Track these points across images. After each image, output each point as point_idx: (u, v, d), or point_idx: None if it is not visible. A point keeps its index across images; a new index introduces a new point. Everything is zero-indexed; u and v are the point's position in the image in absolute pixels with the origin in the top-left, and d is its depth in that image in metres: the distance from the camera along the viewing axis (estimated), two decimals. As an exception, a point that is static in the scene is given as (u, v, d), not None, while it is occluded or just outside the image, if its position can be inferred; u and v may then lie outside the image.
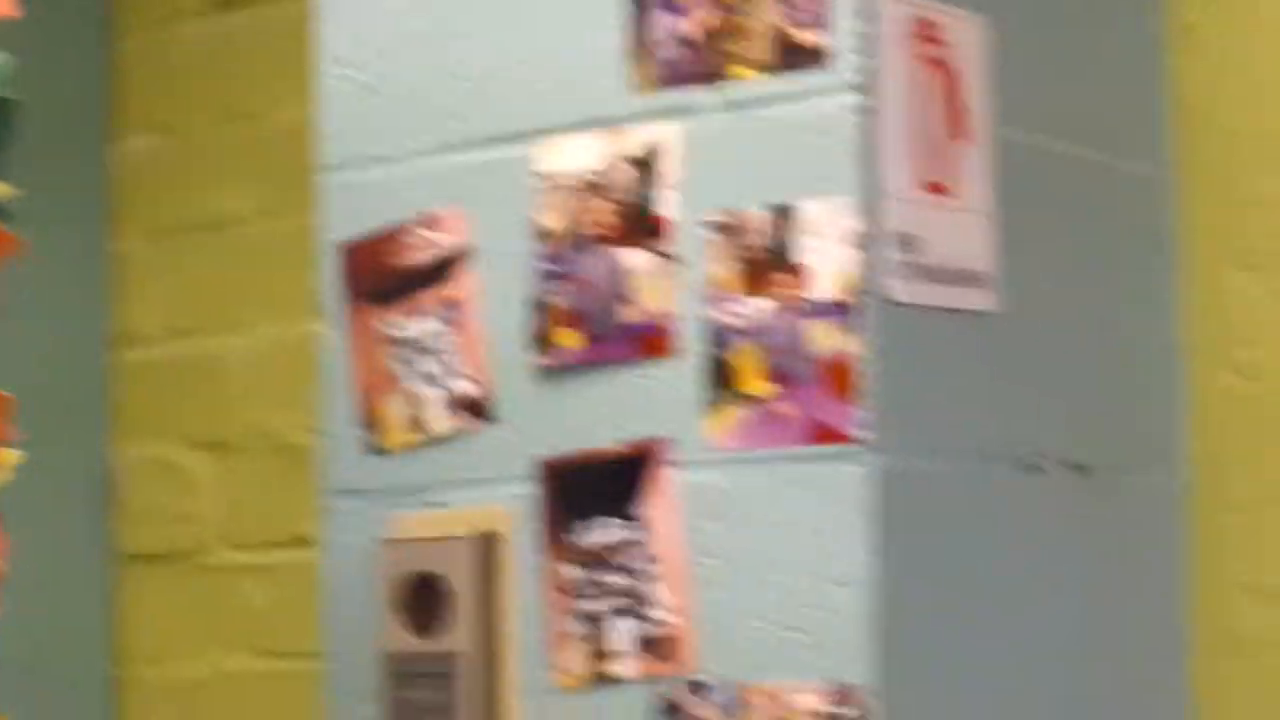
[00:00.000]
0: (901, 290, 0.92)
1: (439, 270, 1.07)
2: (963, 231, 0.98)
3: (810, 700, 0.94)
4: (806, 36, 0.95)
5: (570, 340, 1.01)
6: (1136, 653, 1.12)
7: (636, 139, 1.01)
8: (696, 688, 1.00)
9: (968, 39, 0.99)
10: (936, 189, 0.96)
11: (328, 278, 1.14)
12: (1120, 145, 1.14)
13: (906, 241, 0.94)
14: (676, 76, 1.00)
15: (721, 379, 0.98)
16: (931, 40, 0.96)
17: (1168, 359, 1.16)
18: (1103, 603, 1.09)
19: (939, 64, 0.97)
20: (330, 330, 1.15)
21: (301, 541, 1.50)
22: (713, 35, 0.99)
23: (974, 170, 0.98)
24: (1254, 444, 1.16)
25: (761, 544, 0.98)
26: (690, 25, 0.99)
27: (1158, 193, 1.16)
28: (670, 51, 1.00)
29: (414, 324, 1.09)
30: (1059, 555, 1.05)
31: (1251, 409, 1.16)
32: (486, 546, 1.05)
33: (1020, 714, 1.02)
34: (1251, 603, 1.14)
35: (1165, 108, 1.17)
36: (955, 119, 0.97)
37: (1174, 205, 1.18)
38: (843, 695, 0.93)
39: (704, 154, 1.01)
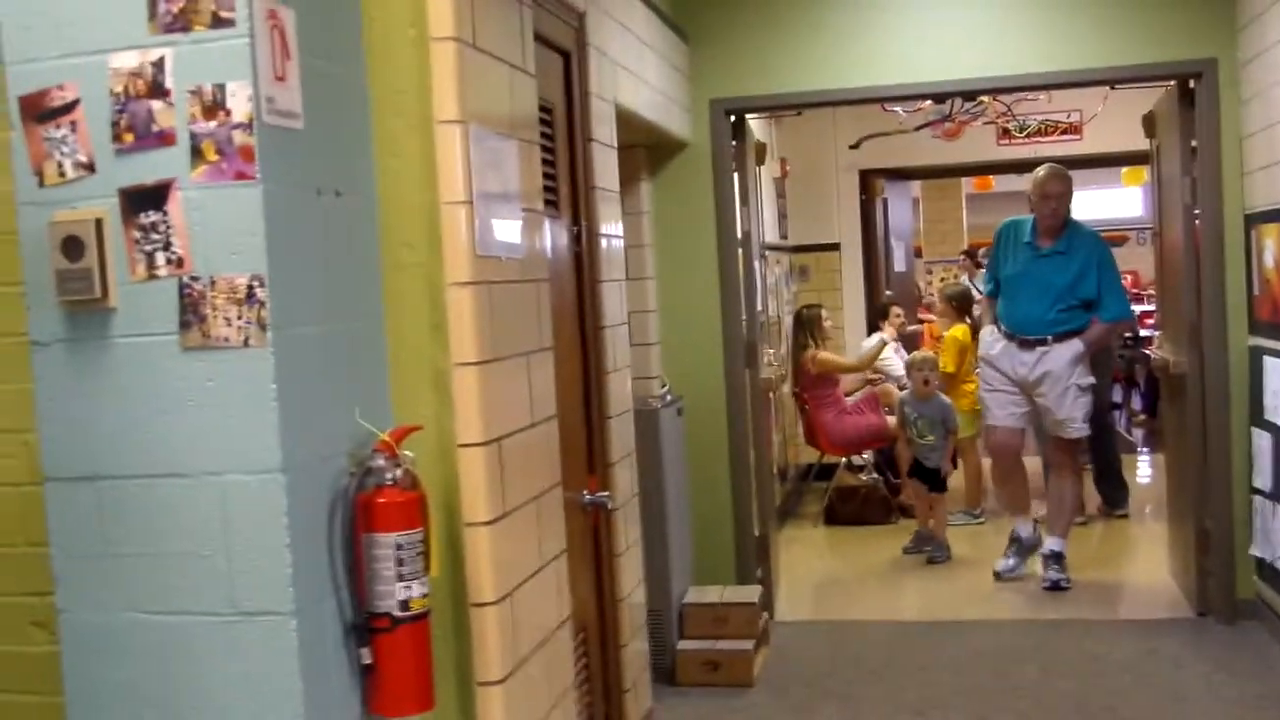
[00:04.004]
0: (268, 115, 2.33)
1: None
2: (288, 95, 2.38)
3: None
4: (226, 14, 2.30)
5: (128, 138, 2.35)
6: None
7: (158, 53, 2.32)
8: (194, 278, 2.34)
9: (291, 15, 2.39)
10: (281, 80, 2.36)
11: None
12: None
13: (270, 98, 2.34)
14: (170, 27, 2.33)
15: (196, 154, 2.34)
16: (273, 15, 2.35)
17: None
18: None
19: (280, 30, 2.36)
20: None
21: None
22: (182, 11, 2.31)
23: (292, 72, 2.40)
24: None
25: (211, 224, 2.36)
26: (176, 4, 2.32)
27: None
28: (167, 15, 2.32)
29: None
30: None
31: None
32: (97, 224, 2.36)
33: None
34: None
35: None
36: (283, 52, 2.37)
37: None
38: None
39: (187, 63, 2.27)
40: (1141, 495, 8.64)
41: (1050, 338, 6.25)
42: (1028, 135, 10.01)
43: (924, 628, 6.08)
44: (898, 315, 8.95)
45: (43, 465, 2.36)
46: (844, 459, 8.56)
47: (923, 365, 7.50)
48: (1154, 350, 6.71)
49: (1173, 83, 5.93)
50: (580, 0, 4.13)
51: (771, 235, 8.40)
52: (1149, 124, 6.56)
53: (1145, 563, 7.09)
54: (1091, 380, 6.35)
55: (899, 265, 11.22)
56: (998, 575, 6.68)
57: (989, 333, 6.54)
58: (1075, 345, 6.23)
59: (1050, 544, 6.57)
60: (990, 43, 5.93)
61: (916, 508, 7.62)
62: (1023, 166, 9.36)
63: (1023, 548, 6.72)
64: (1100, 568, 7.02)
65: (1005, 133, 10.14)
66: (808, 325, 8.20)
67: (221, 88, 2.25)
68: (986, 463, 7.68)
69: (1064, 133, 10.03)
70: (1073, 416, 6.31)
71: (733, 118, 6.16)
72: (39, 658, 2.87)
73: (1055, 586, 6.45)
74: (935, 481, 7.37)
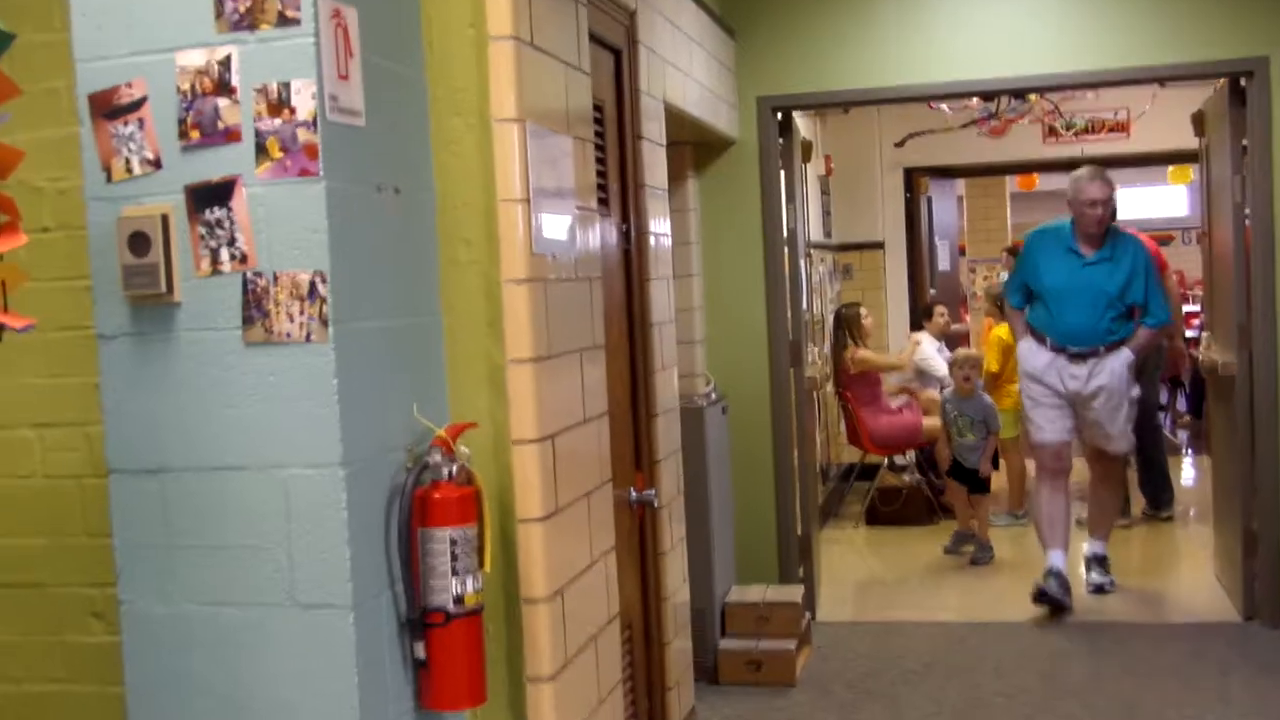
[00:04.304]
0: (331, 113, 2.35)
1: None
2: (351, 93, 2.41)
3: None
4: (291, 13, 2.33)
5: (195, 134, 2.38)
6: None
7: (225, 51, 2.35)
8: (257, 274, 2.37)
9: (354, 15, 2.42)
10: (344, 78, 2.38)
11: None
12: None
13: (333, 96, 2.37)
14: (237, 25, 2.36)
15: (260, 151, 2.37)
16: (337, 14, 2.38)
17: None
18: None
19: (343, 28, 2.39)
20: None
21: None
22: (249, 10, 2.34)
23: (354, 70, 2.42)
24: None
25: (274, 220, 2.39)
26: (241, 4, 2.35)
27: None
28: (234, 14, 2.35)
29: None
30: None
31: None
32: (163, 219, 2.39)
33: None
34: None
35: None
36: (346, 51, 2.40)
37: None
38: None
39: (253, 61, 2.31)
40: (1186, 497, 8.58)
41: (1102, 348, 5.98)
42: (1074, 133, 9.94)
43: (967, 629, 6.05)
44: (941, 314, 8.92)
45: (107, 458, 2.40)
46: (886, 459, 8.54)
47: (964, 364, 7.46)
48: (1202, 351, 6.64)
49: (1223, 81, 5.88)
50: (631, -2, 4.14)
51: (815, 233, 8.38)
52: (1199, 122, 6.50)
53: (1191, 566, 7.04)
54: (1138, 391, 6.20)
55: (943, 264, 11.17)
56: (1045, 597, 6.11)
57: (1029, 347, 6.17)
58: (1126, 355, 6.00)
59: (1093, 547, 6.46)
60: (1040, 40, 5.90)
61: (956, 508, 7.59)
62: (1069, 165, 9.29)
63: (1062, 581, 6.17)
64: (1145, 570, 6.97)
65: (1051, 131, 10.07)
66: (847, 324, 8.17)
67: (286, 85, 2.27)
68: (1030, 464, 7.64)
69: (1111, 130, 9.96)
70: (1125, 431, 6.14)
71: (779, 115, 6.15)
72: (97, 648, 2.92)
73: (1100, 590, 6.35)
74: (974, 482, 7.34)
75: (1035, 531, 6.55)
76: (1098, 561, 6.41)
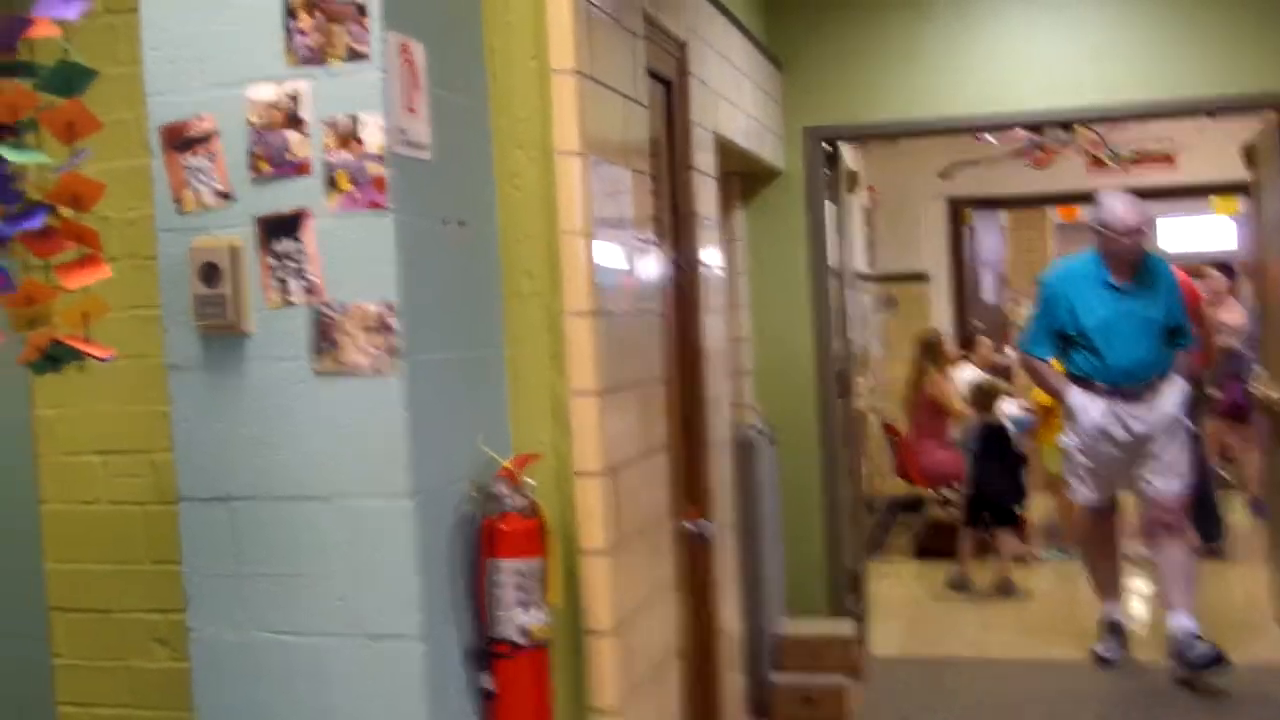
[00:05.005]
0: (399, 146, 2.38)
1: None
2: (419, 127, 2.43)
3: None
4: (360, 48, 2.36)
5: (265, 168, 2.41)
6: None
7: (294, 86, 2.38)
8: (327, 305, 2.41)
9: (422, 49, 2.44)
10: (412, 112, 2.41)
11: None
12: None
13: (401, 129, 2.39)
14: (307, 60, 2.39)
15: (330, 184, 2.40)
16: (405, 49, 2.40)
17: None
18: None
19: (410, 63, 2.41)
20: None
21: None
22: (318, 45, 2.37)
23: (422, 104, 2.45)
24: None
25: (344, 252, 2.41)
26: (312, 39, 2.38)
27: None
28: (304, 49, 2.39)
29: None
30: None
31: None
32: (234, 251, 2.42)
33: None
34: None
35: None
36: (414, 85, 2.42)
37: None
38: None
39: (323, 95, 2.34)
40: (1237, 533, 8.47)
41: (1155, 379, 5.56)
42: (1120, 164, 9.89)
43: (1019, 667, 5.99)
44: (985, 345, 8.87)
45: (178, 486, 2.41)
46: (934, 492, 8.49)
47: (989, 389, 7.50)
48: (1255, 385, 6.56)
49: (1275, 113, 5.85)
50: (682, 30, 4.16)
51: (859, 264, 8.37)
52: (1249, 155, 6.46)
53: (1247, 605, 6.94)
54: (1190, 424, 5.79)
55: (987, 295, 11.13)
56: (1101, 658, 5.93)
57: (1082, 400, 5.64)
58: (1179, 383, 5.60)
59: (1182, 622, 5.59)
60: (1086, 71, 5.88)
61: (962, 546, 7.49)
62: (1115, 197, 9.25)
63: (1121, 632, 5.98)
64: (1202, 611, 6.89)
65: (1097, 161, 10.03)
66: (930, 350, 8.10)
67: (355, 119, 2.30)
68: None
69: (1157, 161, 9.91)
70: (1184, 468, 5.60)
71: (826, 146, 6.16)
72: (161, 674, 2.94)
73: (1216, 661, 5.44)
74: (1002, 514, 7.29)
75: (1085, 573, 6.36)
76: (1193, 636, 5.58)
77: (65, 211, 1.91)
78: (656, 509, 3.09)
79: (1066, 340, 5.69)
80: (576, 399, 2.69)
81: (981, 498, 7.34)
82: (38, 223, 1.81)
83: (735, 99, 5.01)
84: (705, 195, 4.38)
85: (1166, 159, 9.93)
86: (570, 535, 2.69)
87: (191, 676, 2.42)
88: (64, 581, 3.06)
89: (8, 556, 3.07)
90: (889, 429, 8.38)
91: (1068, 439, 5.80)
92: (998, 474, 7.35)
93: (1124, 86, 5.84)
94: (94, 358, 1.86)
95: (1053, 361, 5.83)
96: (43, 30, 1.86)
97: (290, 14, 2.33)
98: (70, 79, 1.89)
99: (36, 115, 1.85)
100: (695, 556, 4.02)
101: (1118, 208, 5.64)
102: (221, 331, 2.36)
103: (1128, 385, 5.56)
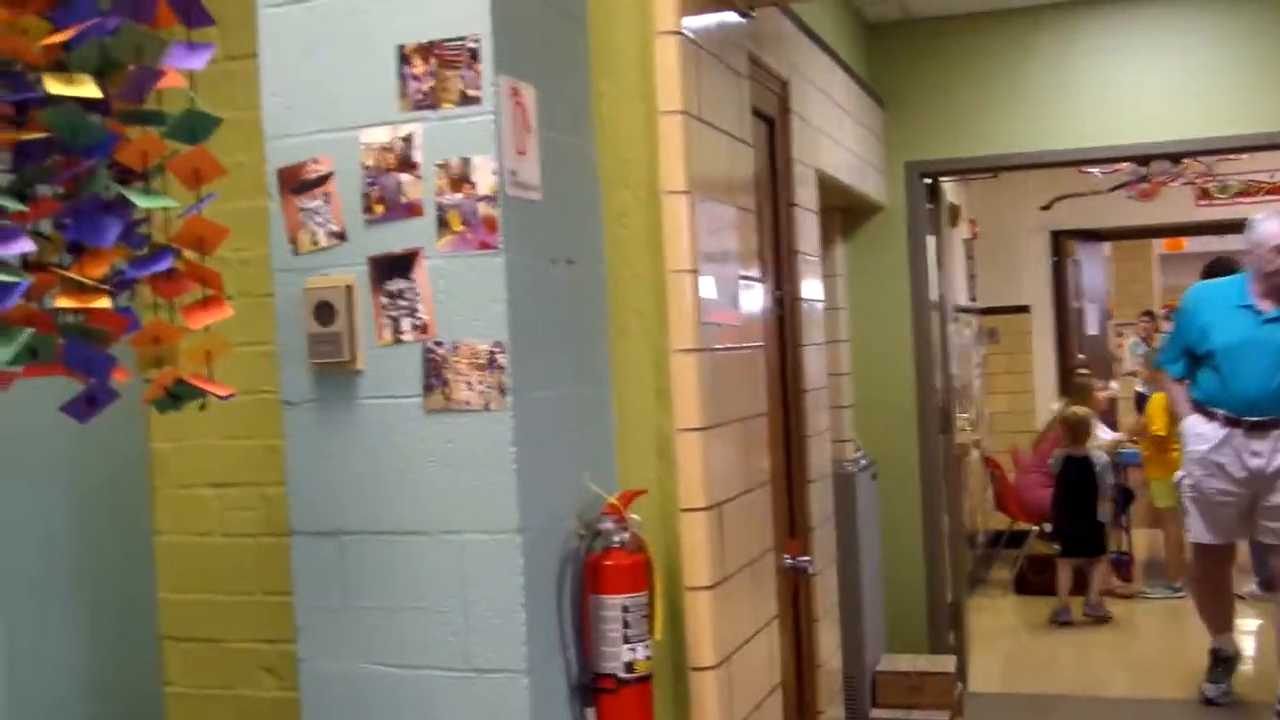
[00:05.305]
0: (510, 187, 2.42)
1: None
2: (529, 168, 2.48)
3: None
4: (472, 92, 2.41)
5: (378, 209, 2.47)
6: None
7: (408, 129, 2.44)
8: (438, 343, 2.46)
9: (532, 93, 2.49)
10: (522, 153, 2.45)
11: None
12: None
13: (512, 171, 2.44)
14: (420, 104, 2.45)
15: (441, 225, 2.44)
16: (516, 92, 2.45)
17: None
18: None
19: (521, 106, 2.46)
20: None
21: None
22: (431, 90, 2.43)
23: (532, 147, 2.49)
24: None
25: (455, 291, 2.45)
26: (425, 83, 2.44)
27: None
28: (417, 93, 2.44)
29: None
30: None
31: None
32: (347, 290, 2.47)
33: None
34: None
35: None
36: (525, 128, 2.47)
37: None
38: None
39: (435, 137, 2.39)
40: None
41: None
42: (1229, 196, 9.71)
43: (1121, 705, 5.88)
44: (1100, 389, 8.69)
45: (289, 520, 2.47)
46: (1036, 527, 8.36)
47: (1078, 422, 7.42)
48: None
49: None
50: (784, 68, 4.18)
51: (961, 297, 8.30)
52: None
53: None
54: None
55: (1091, 328, 10.96)
56: (1209, 701, 5.77)
57: (1196, 423, 5.45)
58: None
59: None
60: (1193, 103, 5.80)
61: (1060, 579, 7.37)
62: (1223, 228, 9.09)
63: (1230, 666, 5.82)
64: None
65: (1205, 193, 9.85)
66: (1080, 394, 8.01)
67: (467, 161, 2.34)
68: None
69: (1268, 193, 9.71)
70: None
71: (927, 180, 6.13)
72: (270, 703, 3.00)
73: None
74: (1088, 544, 7.18)
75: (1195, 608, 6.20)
76: None
77: (189, 254, 1.97)
78: (759, 544, 3.09)
79: (1195, 360, 5.49)
80: (681, 435, 2.71)
81: (1062, 531, 7.27)
82: (164, 265, 1.87)
83: (837, 135, 5.02)
84: (807, 231, 4.39)
85: (1277, 191, 9.72)
86: (674, 571, 2.70)
87: (300, 706, 2.46)
88: (177, 611, 3.13)
89: (123, 586, 3.15)
90: (990, 463, 8.28)
91: (1182, 470, 5.62)
92: (1079, 507, 7.26)
93: (1232, 119, 5.74)
94: (216, 396, 1.92)
95: (1185, 382, 5.62)
96: (171, 81, 1.92)
97: (404, 60, 2.39)
98: (196, 127, 1.95)
99: (164, 162, 1.92)
100: (796, 591, 4.01)
101: (1266, 224, 5.43)
102: (335, 369, 2.41)
103: (1250, 417, 5.28)
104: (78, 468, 3.00)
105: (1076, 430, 7.45)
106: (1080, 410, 7.69)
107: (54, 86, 1.74)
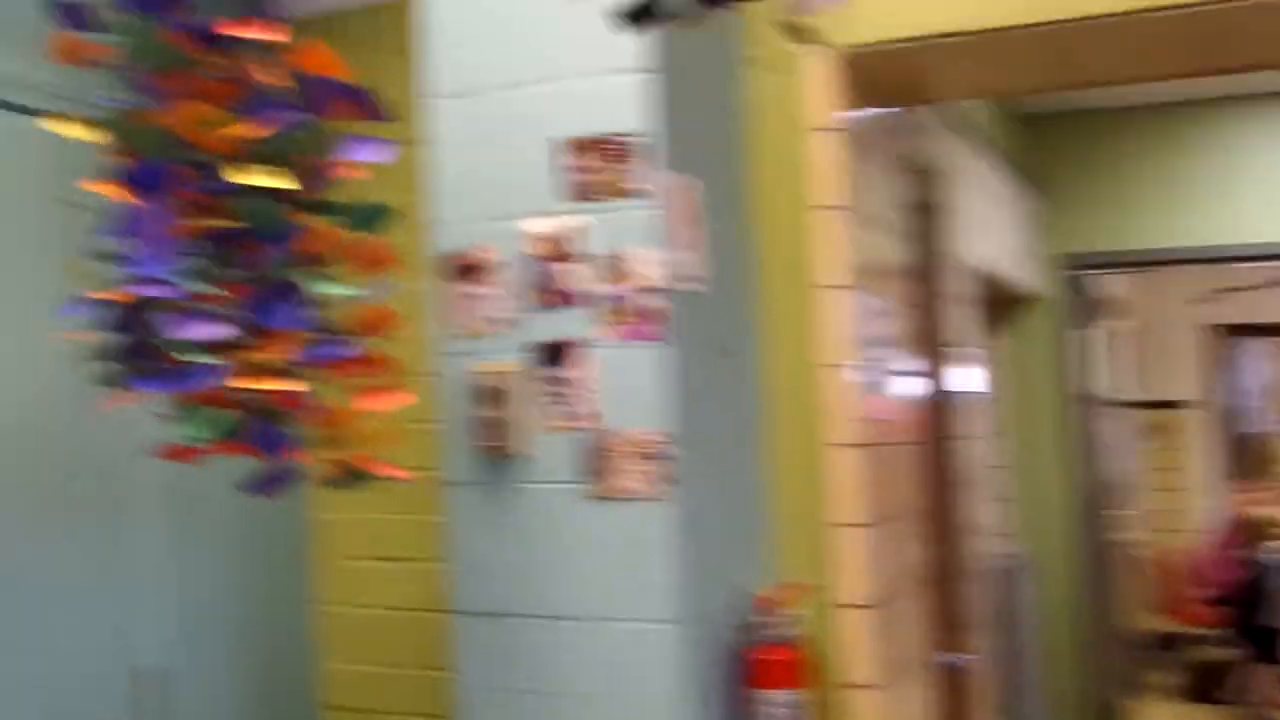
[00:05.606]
0: (672, 279, 2.45)
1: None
2: (692, 261, 2.50)
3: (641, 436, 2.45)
4: (636, 186, 2.46)
5: (543, 298, 2.51)
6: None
7: (572, 221, 2.49)
8: (602, 432, 2.46)
9: (695, 186, 2.52)
10: (685, 246, 2.48)
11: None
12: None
13: (674, 263, 2.47)
14: (586, 197, 2.50)
15: (606, 315, 2.47)
16: (679, 186, 2.48)
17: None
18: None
19: (685, 199, 2.49)
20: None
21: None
22: (596, 183, 2.47)
23: (695, 240, 2.52)
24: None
25: (619, 381, 2.47)
26: (587, 176, 2.49)
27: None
28: (583, 186, 2.49)
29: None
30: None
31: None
32: (512, 377, 2.52)
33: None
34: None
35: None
36: (688, 221, 2.50)
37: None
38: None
39: (600, 230, 2.43)
40: None
41: None
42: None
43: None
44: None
45: (452, 600, 2.49)
46: (1206, 629, 8.03)
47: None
48: None
49: None
50: (938, 159, 4.17)
51: (1116, 391, 8.09)
52: None
53: None
54: None
55: (1251, 424, 10.58)
56: None
57: None
58: None
59: None
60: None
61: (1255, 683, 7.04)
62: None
63: None
64: None
65: (1372, 288, 9.48)
66: (1251, 532, 7.79)
67: (631, 253, 2.37)
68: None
69: None
70: None
71: (1082, 272, 6.03)
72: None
73: None
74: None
75: None
76: None
77: (364, 339, 2.03)
78: (917, 641, 3.03)
79: None
80: (838, 530, 2.68)
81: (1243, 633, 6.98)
82: (343, 350, 1.93)
83: (990, 226, 4.97)
84: (960, 322, 4.34)
85: None
86: (832, 668, 2.65)
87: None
88: (339, 681, 3.19)
89: (288, 655, 3.21)
90: (1152, 560, 8.00)
91: None
92: (1252, 611, 6.97)
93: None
94: (389, 478, 1.96)
95: None
96: (350, 172, 2.00)
97: (570, 153, 2.44)
98: (373, 217, 2.02)
99: (343, 250, 1.98)
100: (954, 689, 3.91)
101: None
102: (498, 453, 2.45)
103: None
104: (245, 536, 3.09)
105: (1253, 533, 7.18)
106: (1259, 510, 7.43)
107: (245, 178, 1.82)
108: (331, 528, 3.22)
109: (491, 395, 2.45)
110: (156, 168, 1.78)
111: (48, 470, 2.67)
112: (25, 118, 2.51)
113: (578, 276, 2.42)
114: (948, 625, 3.85)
